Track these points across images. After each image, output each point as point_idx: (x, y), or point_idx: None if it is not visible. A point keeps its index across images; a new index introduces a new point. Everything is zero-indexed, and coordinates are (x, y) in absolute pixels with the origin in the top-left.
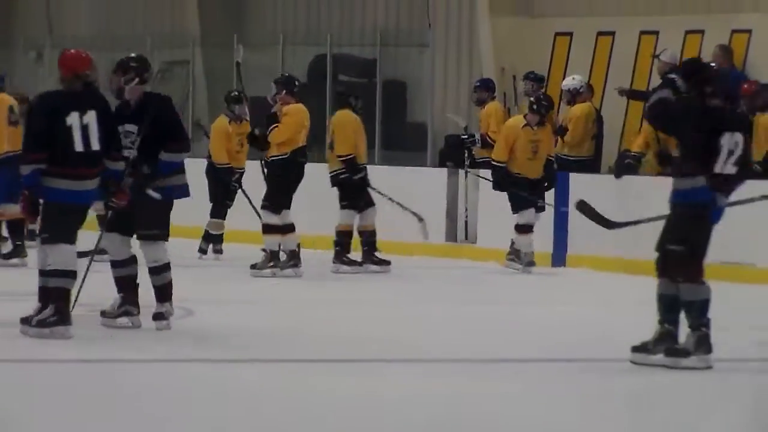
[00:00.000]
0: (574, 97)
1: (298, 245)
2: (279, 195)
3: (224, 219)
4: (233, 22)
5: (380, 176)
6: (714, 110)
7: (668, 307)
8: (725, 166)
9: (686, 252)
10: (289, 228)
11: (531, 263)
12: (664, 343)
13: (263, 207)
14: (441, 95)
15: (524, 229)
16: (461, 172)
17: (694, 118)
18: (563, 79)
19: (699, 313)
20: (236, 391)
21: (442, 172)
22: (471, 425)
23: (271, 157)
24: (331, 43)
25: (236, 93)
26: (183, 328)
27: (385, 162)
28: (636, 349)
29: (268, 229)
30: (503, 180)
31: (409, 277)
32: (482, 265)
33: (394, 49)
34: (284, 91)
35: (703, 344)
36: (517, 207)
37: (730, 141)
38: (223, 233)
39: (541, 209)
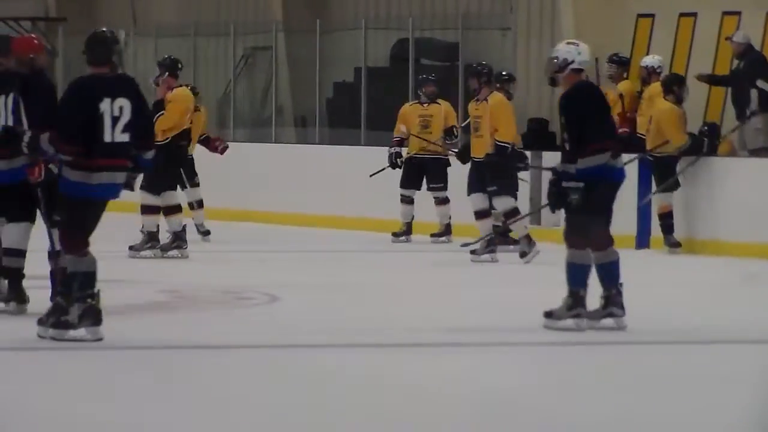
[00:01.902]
0: (650, 75)
1: (184, 226)
2: (158, 177)
3: None
4: (316, 8)
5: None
6: None
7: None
8: None
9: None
10: (174, 209)
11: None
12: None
13: (141, 188)
14: (523, 78)
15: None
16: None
17: None
18: None
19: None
20: (329, 376)
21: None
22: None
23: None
24: (413, 27)
25: None
26: (269, 314)
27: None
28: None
29: (146, 210)
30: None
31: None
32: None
33: (476, 33)
34: (167, 74)
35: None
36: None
37: None
38: None
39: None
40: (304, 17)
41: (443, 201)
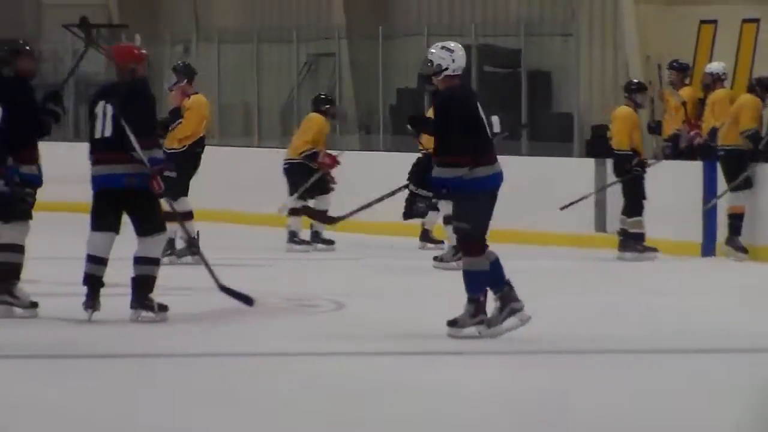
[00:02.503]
0: (714, 82)
1: (197, 232)
2: (175, 184)
3: None
4: (378, 14)
5: (526, 167)
6: None
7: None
8: None
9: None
10: (187, 216)
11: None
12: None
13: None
14: (586, 85)
15: None
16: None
17: None
18: None
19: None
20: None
21: (589, 163)
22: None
23: (170, 149)
24: (476, 33)
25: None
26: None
27: (531, 153)
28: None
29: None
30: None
31: (566, 268)
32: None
33: (539, 39)
34: (185, 81)
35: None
36: None
37: None
38: None
39: None
40: (366, 23)
41: None
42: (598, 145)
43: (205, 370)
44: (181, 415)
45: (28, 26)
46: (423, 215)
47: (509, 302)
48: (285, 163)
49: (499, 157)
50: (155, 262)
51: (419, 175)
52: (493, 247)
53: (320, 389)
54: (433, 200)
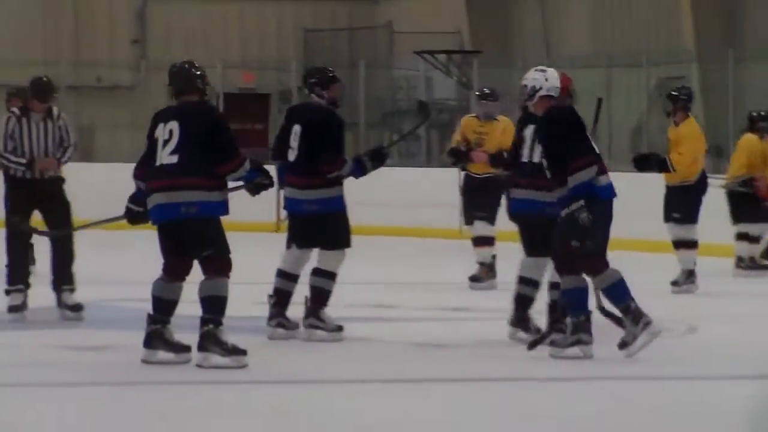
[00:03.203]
0: None
1: (494, 256)
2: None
3: None
4: (729, 37)
5: None
6: None
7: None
8: None
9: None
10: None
11: None
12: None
13: (480, 218)
14: None
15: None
16: None
17: None
18: None
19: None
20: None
21: None
22: None
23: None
24: None
25: None
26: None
27: None
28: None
29: (481, 241)
30: None
31: None
32: None
33: None
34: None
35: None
36: None
37: None
38: None
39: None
40: (716, 46)
41: None
42: None
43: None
44: None
45: (381, 52)
46: (587, 223)
47: (581, 332)
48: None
49: None
50: (332, 276)
51: None
52: None
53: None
54: None
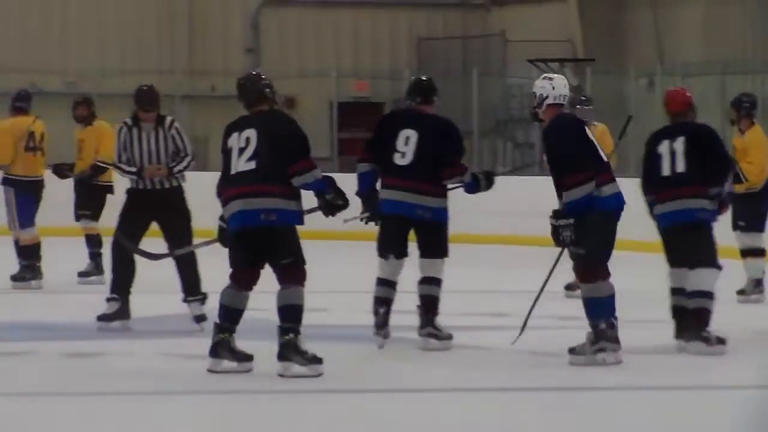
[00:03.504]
0: None
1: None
2: None
3: None
4: None
5: None
6: None
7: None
8: None
9: None
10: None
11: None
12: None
13: None
14: None
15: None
16: None
17: None
18: None
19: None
20: None
21: None
22: None
23: None
24: None
25: None
26: None
27: None
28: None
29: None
30: None
31: None
32: None
33: None
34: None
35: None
36: None
37: None
38: None
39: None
40: None
41: None
42: None
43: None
44: None
45: (495, 60)
46: (568, 242)
47: (603, 341)
48: None
49: None
50: (440, 283)
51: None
52: None
53: None
54: None
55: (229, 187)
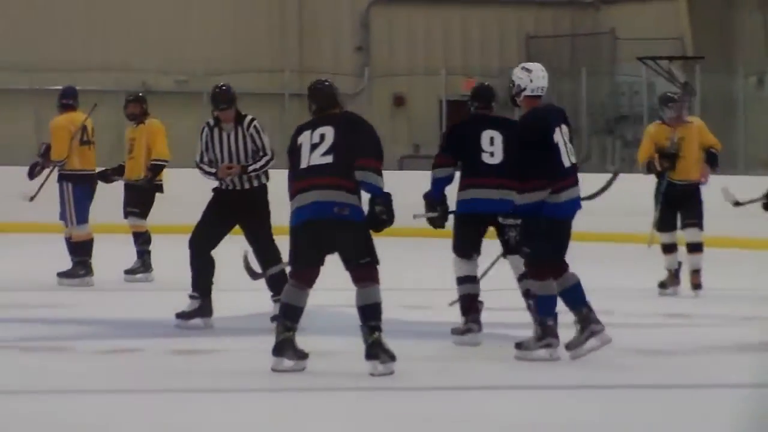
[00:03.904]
0: None
1: (679, 264)
2: None
3: None
4: None
5: None
6: None
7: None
8: None
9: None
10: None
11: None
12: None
13: (688, 225)
14: None
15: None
16: None
17: None
18: None
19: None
20: None
21: None
22: None
23: None
24: None
25: None
26: None
27: None
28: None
29: (669, 248)
30: None
31: None
32: None
33: None
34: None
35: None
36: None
37: None
38: None
39: None
40: None
41: None
42: None
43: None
44: None
45: (604, 58)
46: (513, 243)
47: (589, 324)
48: None
49: None
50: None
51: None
52: None
53: None
54: None
55: (299, 181)
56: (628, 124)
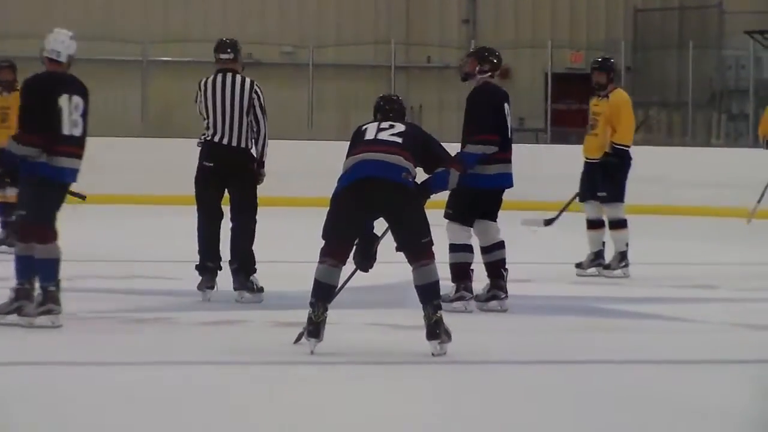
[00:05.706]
0: None
1: (626, 245)
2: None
3: None
4: None
5: None
6: None
7: None
8: None
9: None
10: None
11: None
12: None
13: (603, 200)
14: None
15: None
16: None
17: None
18: None
19: None
20: None
21: None
22: None
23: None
24: None
25: None
26: None
27: None
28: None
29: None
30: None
31: None
32: None
33: None
34: None
35: None
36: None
37: None
38: None
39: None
40: None
41: None
42: None
43: None
44: None
45: (711, 32)
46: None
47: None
48: None
49: None
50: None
51: None
52: None
53: None
54: None
55: (359, 149)
56: (734, 98)
